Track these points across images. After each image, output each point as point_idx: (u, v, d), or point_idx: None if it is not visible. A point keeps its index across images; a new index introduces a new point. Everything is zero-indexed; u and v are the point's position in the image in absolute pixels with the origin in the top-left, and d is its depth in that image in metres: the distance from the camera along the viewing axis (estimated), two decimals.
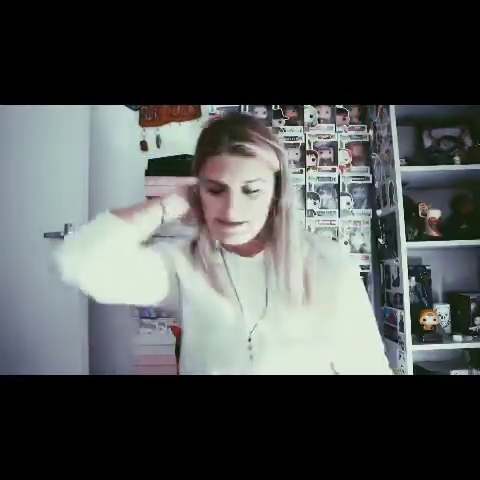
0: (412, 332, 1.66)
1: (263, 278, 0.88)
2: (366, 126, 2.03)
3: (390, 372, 0.92)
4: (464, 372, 1.74)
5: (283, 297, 0.85)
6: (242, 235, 0.84)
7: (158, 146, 2.11)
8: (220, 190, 0.81)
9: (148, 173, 1.99)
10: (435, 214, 1.83)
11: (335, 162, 2.01)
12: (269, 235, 0.86)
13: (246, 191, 0.80)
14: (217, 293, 0.89)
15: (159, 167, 1.99)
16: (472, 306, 1.80)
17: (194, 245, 0.93)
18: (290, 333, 0.84)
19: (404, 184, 1.74)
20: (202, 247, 0.90)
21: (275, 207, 0.85)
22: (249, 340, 0.84)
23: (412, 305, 1.71)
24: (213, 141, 0.80)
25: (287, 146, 2.02)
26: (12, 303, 1.79)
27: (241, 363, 0.83)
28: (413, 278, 1.85)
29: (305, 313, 0.84)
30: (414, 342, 1.66)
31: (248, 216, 0.82)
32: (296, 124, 2.03)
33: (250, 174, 0.80)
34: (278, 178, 0.84)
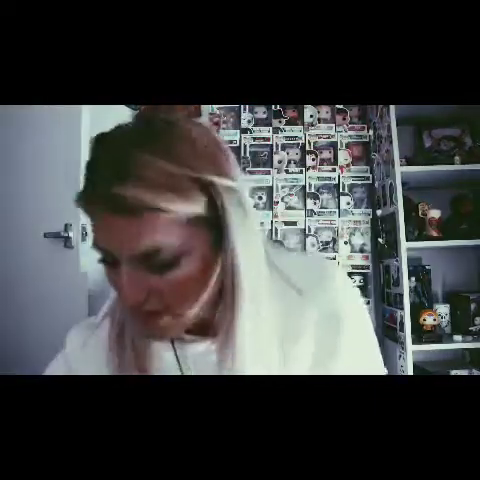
0: (412, 332, 1.66)
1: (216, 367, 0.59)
2: (366, 126, 2.03)
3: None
4: (464, 372, 1.74)
5: None
6: (166, 330, 0.54)
7: None
8: (111, 262, 0.51)
9: None
10: (435, 214, 1.83)
11: (335, 162, 2.01)
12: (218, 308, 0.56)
13: (151, 266, 0.50)
14: None
15: None
16: (472, 306, 1.80)
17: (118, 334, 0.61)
18: None
19: (404, 184, 1.74)
20: (130, 334, 0.59)
21: (215, 272, 0.53)
22: None
23: (412, 305, 1.71)
24: (85, 183, 0.52)
25: (287, 146, 2.02)
26: (12, 303, 1.79)
27: None
28: (413, 278, 1.85)
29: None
30: (414, 342, 1.66)
31: (167, 300, 0.52)
32: (296, 124, 2.03)
33: (148, 241, 0.48)
34: (219, 225, 0.52)
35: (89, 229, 1.65)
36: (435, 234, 1.81)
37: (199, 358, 0.60)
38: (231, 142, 2.03)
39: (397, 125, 1.75)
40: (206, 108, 2.09)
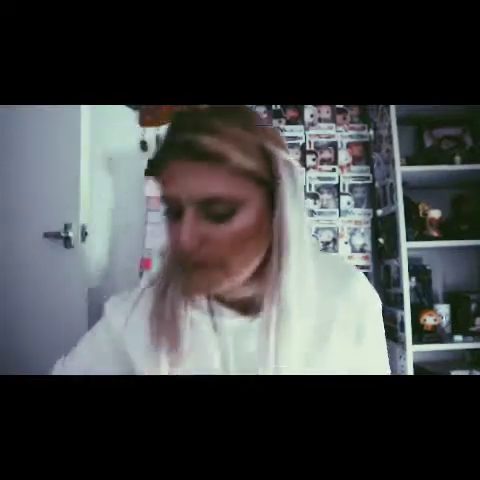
0: (412, 332, 1.66)
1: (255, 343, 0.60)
2: (366, 126, 2.03)
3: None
4: (464, 372, 1.74)
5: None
6: (213, 283, 0.56)
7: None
8: (176, 212, 0.55)
9: (148, 173, 1.99)
10: (435, 214, 1.83)
11: (335, 162, 2.01)
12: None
13: (208, 214, 0.54)
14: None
15: None
16: (472, 306, 1.80)
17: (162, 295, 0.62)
18: None
19: (404, 184, 1.74)
20: (171, 302, 0.60)
21: (270, 239, 0.56)
22: None
23: (412, 305, 1.70)
24: (165, 140, 0.56)
25: (287, 146, 2.03)
26: (12, 303, 1.79)
27: None
28: (413, 278, 1.85)
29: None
30: (414, 342, 1.66)
31: (219, 252, 0.54)
32: (296, 124, 2.03)
33: (215, 187, 0.52)
34: (273, 193, 0.56)
35: (89, 229, 1.65)
36: (435, 234, 1.81)
37: (238, 333, 0.61)
38: None
39: (397, 125, 1.75)
40: None
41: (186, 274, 0.56)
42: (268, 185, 0.56)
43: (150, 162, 0.54)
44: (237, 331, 0.62)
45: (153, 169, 0.56)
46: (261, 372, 0.60)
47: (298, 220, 0.57)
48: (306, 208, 0.62)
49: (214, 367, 0.63)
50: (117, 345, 0.71)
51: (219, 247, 0.54)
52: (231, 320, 0.62)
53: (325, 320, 0.63)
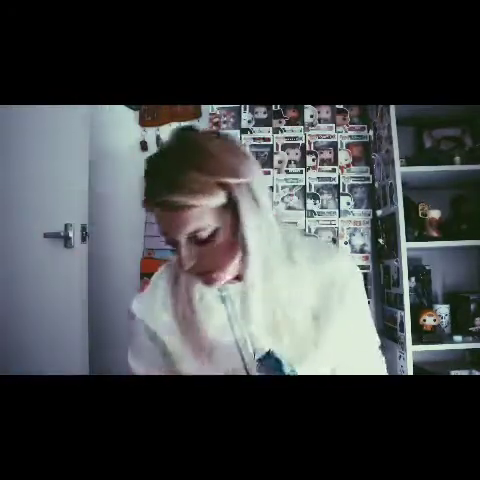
0: (412, 332, 1.66)
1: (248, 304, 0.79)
2: (366, 126, 2.03)
3: (384, 368, 0.93)
4: (464, 373, 1.74)
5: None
6: (216, 281, 0.77)
7: (158, 146, 2.11)
8: (172, 242, 0.74)
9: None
10: (435, 214, 1.83)
11: (335, 162, 2.01)
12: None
13: (197, 241, 0.72)
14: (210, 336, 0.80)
15: None
16: (472, 306, 1.80)
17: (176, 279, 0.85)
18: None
19: (404, 184, 1.74)
20: (185, 284, 0.82)
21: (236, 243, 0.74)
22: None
23: (412, 305, 1.70)
24: (145, 192, 0.73)
25: (287, 146, 2.02)
26: (12, 303, 1.79)
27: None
28: (413, 278, 1.85)
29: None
30: (414, 342, 1.66)
31: (212, 264, 0.75)
32: (296, 124, 2.03)
33: (192, 226, 0.70)
34: (233, 208, 0.72)
35: (89, 230, 1.67)
36: (435, 234, 1.81)
37: (236, 293, 0.81)
38: None
39: (397, 125, 1.75)
40: (206, 108, 2.09)
41: (197, 277, 0.78)
42: (232, 207, 0.72)
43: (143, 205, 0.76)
44: (235, 290, 0.81)
45: (146, 205, 0.76)
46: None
47: (259, 230, 0.75)
48: (270, 212, 0.78)
49: (222, 320, 0.81)
50: (156, 337, 0.86)
51: (210, 260, 0.74)
52: (229, 285, 0.81)
53: (310, 288, 0.81)
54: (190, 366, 0.81)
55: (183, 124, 2.10)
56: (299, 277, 0.80)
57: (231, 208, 0.72)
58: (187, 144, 0.73)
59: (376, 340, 0.91)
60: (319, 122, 2.03)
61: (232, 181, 0.70)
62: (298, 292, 0.80)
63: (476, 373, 1.73)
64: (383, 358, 0.93)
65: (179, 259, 0.73)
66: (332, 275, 0.82)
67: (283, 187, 2.00)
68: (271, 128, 2.03)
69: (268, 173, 2.00)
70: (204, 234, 0.71)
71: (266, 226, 0.76)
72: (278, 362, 0.71)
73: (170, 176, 0.69)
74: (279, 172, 2.00)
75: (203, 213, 0.70)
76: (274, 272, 0.78)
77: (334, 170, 2.00)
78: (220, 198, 0.70)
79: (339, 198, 1.99)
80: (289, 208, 1.99)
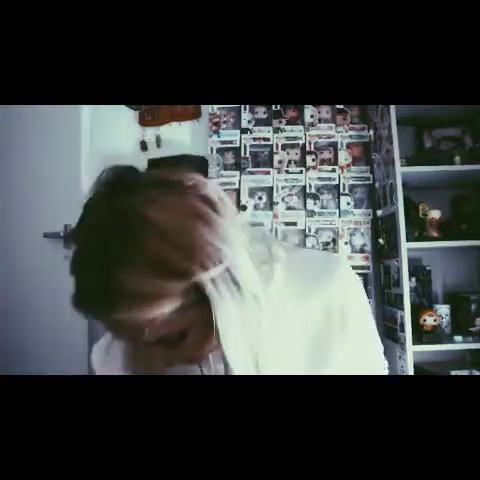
0: (412, 333, 1.66)
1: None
2: (366, 126, 2.03)
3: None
4: (464, 373, 1.74)
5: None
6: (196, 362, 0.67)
7: (158, 146, 2.11)
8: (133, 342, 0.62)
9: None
10: (435, 214, 1.83)
11: (335, 162, 2.01)
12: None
13: (163, 344, 0.58)
14: None
15: (159, 167, 1.99)
16: (472, 306, 1.80)
17: None
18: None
19: (404, 184, 1.74)
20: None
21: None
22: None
23: (412, 306, 1.70)
24: (84, 308, 0.57)
25: (287, 146, 2.02)
26: (12, 303, 1.79)
27: None
28: (413, 278, 1.85)
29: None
30: (414, 343, 1.66)
31: (188, 357, 0.63)
32: (296, 124, 2.03)
33: (153, 336, 0.54)
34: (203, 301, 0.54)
35: None
36: (435, 234, 1.81)
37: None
38: (231, 142, 2.03)
39: (397, 125, 1.75)
40: (206, 108, 2.09)
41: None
42: (201, 301, 0.54)
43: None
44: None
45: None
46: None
47: (237, 317, 0.57)
48: (251, 281, 0.57)
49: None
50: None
51: (182, 353, 0.60)
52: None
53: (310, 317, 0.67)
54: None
55: (183, 124, 2.13)
56: (291, 326, 0.66)
57: (200, 302, 0.53)
58: (130, 217, 0.51)
59: (384, 363, 0.81)
60: (319, 122, 2.03)
61: (202, 278, 0.51)
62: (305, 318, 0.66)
63: (476, 373, 1.73)
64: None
65: (144, 364, 0.62)
66: (331, 300, 0.67)
67: (283, 187, 2.00)
68: (271, 128, 2.03)
69: (268, 173, 2.00)
70: (173, 337, 0.56)
71: (249, 305, 0.57)
72: None
73: (120, 285, 0.49)
74: (279, 172, 2.00)
75: (166, 320, 0.52)
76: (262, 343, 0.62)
77: (334, 170, 2.00)
78: (186, 299, 0.52)
79: (339, 198, 1.99)
80: (289, 208, 1.99)
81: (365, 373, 0.72)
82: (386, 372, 0.86)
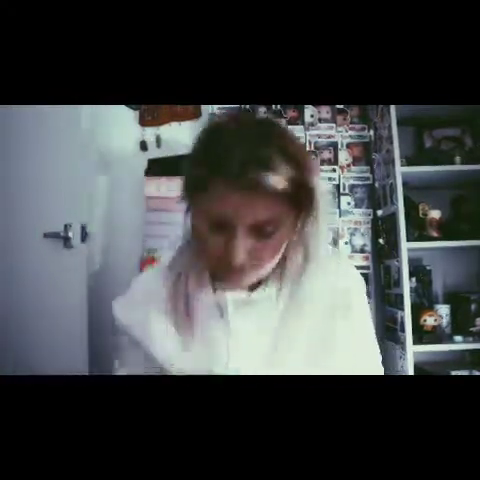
0: (412, 333, 1.66)
1: (257, 318, 0.73)
2: (367, 126, 2.03)
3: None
4: (464, 373, 1.73)
5: (284, 341, 0.73)
6: (248, 279, 0.69)
7: (158, 146, 2.11)
8: (223, 226, 0.63)
9: (148, 173, 1.99)
10: (435, 214, 1.83)
11: (335, 162, 2.01)
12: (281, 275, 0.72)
13: (258, 231, 0.63)
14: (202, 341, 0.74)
15: (159, 167, 1.99)
16: (472, 307, 1.80)
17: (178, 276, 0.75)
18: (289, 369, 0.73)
19: (404, 184, 1.73)
20: (191, 285, 0.73)
21: (293, 248, 0.70)
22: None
23: (412, 306, 1.70)
24: (217, 163, 0.61)
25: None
26: (12, 303, 1.79)
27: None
28: (413, 279, 1.85)
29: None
30: (414, 343, 1.66)
31: (258, 259, 0.66)
32: (296, 124, 2.03)
33: (265, 213, 0.62)
34: (302, 210, 0.66)
35: (89, 229, 1.66)
36: (435, 234, 1.81)
37: (237, 304, 0.74)
38: None
39: (397, 125, 1.75)
40: (206, 108, 2.09)
41: (226, 272, 0.67)
42: (301, 208, 0.66)
43: (196, 169, 0.63)
44: (237, 302, 0.74)
45: (195, 177, 0.64)
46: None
47: (324, 233, 0.71)
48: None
49: (217, 336, 0.74)
50: (138, 342, 0.80)
51: (259, 257, 0.66)
52: (232, 295, 0.74)
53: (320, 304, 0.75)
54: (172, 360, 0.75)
55: (183, 124, 2.12)
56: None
57: (300, 208, 0.65)
58: (273, 125, 0.66)
59: (378, 354, 0.85)
60: (319, 122, 2.03)
61: (318, 185, 0.65)
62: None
63: (476, 373, 1.73)
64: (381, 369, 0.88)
65: (227, 250, 0.63)
66: (339, 291, 0.76)
67: None
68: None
69: None
70: (269, 228, 0.63)
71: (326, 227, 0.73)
72: None
73: (264, 152, 0.59)
74: None
75: (280, 204, 0.62)
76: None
77: (334, 170, 2.00)
78: (301, 195, 0.63)
79: (339, 198, 1.99)
80: None
81: (363, 355, 0.80)
82: (381, 365, 0.88)
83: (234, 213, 0.61)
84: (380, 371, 0.86)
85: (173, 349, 0.75)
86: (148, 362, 0.79)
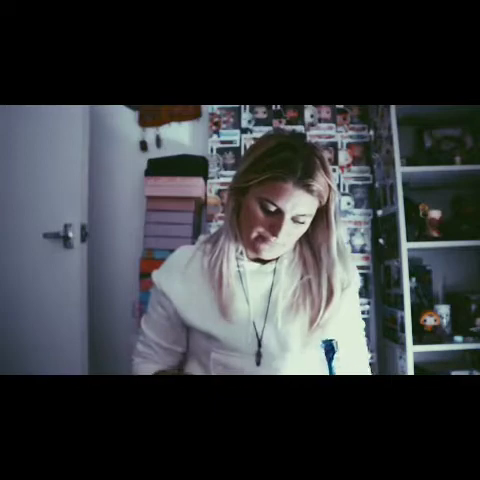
0: (412, 333, 1.66)
1: (268, 286, 0.95)
2: (366, 126, 2.02)
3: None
4: (464, 373, 1.73)
5: (285, 306, 0.93)
6: (275, 253, 0.93)
7: (158, 146, 2.11)
8: (273, 211, 0.87)
9: (148, 173, 1.99)
10: (436, 214, 1.82)
11: (335, 162, 2.01)
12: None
13: (294, 220, 0.88)
14: (226, 300, 0.92)
15: (159, 167, 1.99)
16: (472, 307, 1.80)
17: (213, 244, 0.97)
18: (288, 340, 0.88)
19: (404, 184, 1.73)
20: (227, 253, 0.94)
21: (309, 241, 0.95)
22: (259, 346, 0.87)
23: (412, 306, 1.70)
24: (285, 169, 0.84)
25: None
26: (11, 303, 1.79)
27: (248, 369, 0.85)
28: (413, 279, 1.85)
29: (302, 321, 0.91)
30: (414, 343, 1.66)
31: (287, 240, 0.91)
32: (296, 124, 2.03)
33: (305, 209, 0.88)
34: (320, 212, 0.92)
35: (89, 229, 1.68)
36: (436, 234, 1.81)
37: (253, 272, 0.96)
38: (231, 142, 2.03)
39: (397, 125, 1.74)
40: (206, 108, 2.09)
41: (262, 244, 0.91)
42: (322, 202, 0.91)
43: (262, 168, 0.85)
44: (253, 271, 0.96)
45: (261, 174, 0.85)
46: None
47: (338, 223, 0.95)
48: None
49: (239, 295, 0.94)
50: (173, 309, 0.95)
51: (290, 237, 0.91)
52: (249, 263, 0.97)
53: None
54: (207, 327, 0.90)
55: (183, 124, 2.13)
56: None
57: (321, 204, 0.91)
58: (311, 144, 0.91)
59: (365, 349, 1.02)
60: (319, 122, 2.03)
61: (334, 187, 0.90)
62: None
63: (476, 373, 1.72)
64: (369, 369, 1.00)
65: (272, 227, 0.87)
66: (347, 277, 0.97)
67: None
68: (271, 128, 2.03)
69: None
70: (304, 218, 0.89)
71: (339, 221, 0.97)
72: (333, 351, 0.79)
73: (318, 162, 0.86)
74: None
75: (315, 202, 0.89)
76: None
77: (334, 170, 2.00)
78: (325, 197, 0.90)
79: (339, 198, 1.99)
80: None
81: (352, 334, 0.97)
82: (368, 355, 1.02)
83: (287, 205, 0.86)
84: (364, 348, 1.01)
85: (209, 310, 0.92)
86: (177, 334, 0.96)
